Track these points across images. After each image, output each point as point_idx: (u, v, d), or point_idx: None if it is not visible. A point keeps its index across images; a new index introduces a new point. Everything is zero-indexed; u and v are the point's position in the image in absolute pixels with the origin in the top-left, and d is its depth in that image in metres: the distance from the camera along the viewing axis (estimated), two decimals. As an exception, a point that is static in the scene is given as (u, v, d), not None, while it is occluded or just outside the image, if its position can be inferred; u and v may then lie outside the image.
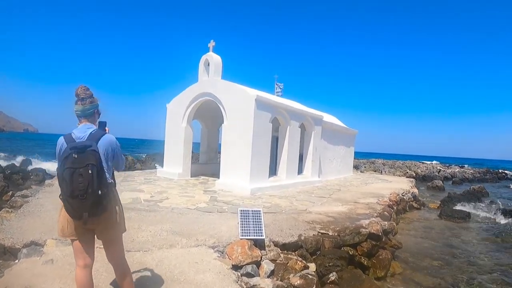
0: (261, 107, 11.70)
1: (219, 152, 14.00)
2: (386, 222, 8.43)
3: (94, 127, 3.21)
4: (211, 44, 13.49)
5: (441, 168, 45.72)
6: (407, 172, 32.41)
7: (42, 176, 16.27)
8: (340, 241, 7.09)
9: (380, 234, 7.71)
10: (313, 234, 7.03)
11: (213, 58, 13.12)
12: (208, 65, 13.36)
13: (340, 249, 6.99)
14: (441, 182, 27.18)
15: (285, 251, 6.28)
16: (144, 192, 10.31)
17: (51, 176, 16.95)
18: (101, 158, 3.02)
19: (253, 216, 6.28)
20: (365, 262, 7.11)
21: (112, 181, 3.27)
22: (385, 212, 10.21)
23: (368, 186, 16.39)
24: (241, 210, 6.31)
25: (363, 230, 7.50)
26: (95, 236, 3.29)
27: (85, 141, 2.99)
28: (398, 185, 18.18)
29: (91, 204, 2.86)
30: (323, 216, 8.63)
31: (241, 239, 5.89)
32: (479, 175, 41.75)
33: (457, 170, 46.30)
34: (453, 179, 34.92)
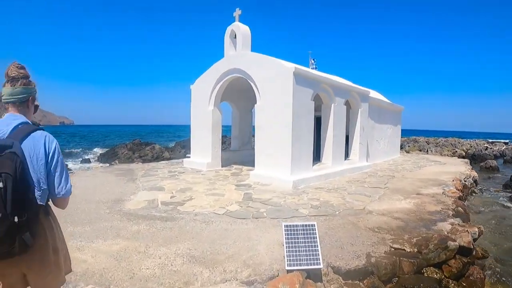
0: (301, 82, 9.71)
1: (254, 136, 12.15)
2: (476, 229, 6.33)
3: (23, 119, 2.18)
4: (237, 12, 11.49)
5: (488, 146, 42.12)
6: (456, 151, 29.56)
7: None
8: (423, 261, 5.11)
9: (472, 246, 5.70)
10: (385, 252, 5.09)
11: (240, 29, 11.14)
12: (235, 37, 11.40)
13: (423, 274, 5.05)
14: (495, 162, 24.57)
15: (350, 281, 4.41)
16: (165, 190, 8.63)
17: (70, 172, 15.65)
18: (26, 165, 2.01)
19: (304, 233, 4.42)
20: (454, 288, 5.14)
21: (43, 203, 2.14)
22: (459, 208, 8.15)
23: (422, 170, 14.20)
24: (287, 226, 4.44)
25: (452, 244, 5.48)
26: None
27: (5, 139, 2.02)
28: (455, 167, 15.84)
29: (1, 237, 1.86)
30: (388, 218, 6.69)
31: (288, 271, 4.06)
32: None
33: (504, 147, 42.46)
34: (504, 157, 31.86)
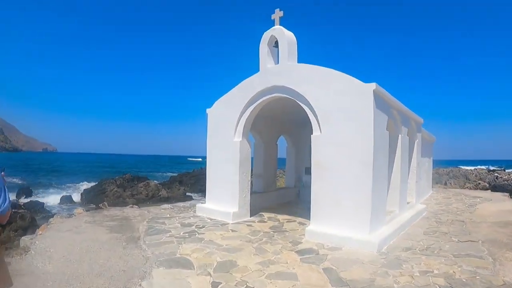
0: (380, 105, 7.06)
1: (277, 169, 9.23)
2: None
3: None
4: (277, 15, 8.77)
5: (498, 174, 39.95)
6: (479, 183, 27.06)
7: (30, 220, 11.54)
8: None
9: None
10: None
11: (285, 34, 8.40)
12: (275, 46, 8.70)
13: None
14: (529, 194, 22.23)
15: None
16: (194, 267, 5.53)
17: (46, 216, 12.45)
18: None
19: None
20: None
21: None
22: None
23: (481, 211, 11.73)
24: None
25: None
26: None
27: None
28: (507, 204, 13.81)
29: None
30: None
31: None
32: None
33: (517, 176, 40.35)
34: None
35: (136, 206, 13.19)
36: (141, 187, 20.12)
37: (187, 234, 7.59)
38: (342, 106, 7.08)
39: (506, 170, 52.04)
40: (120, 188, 20.83)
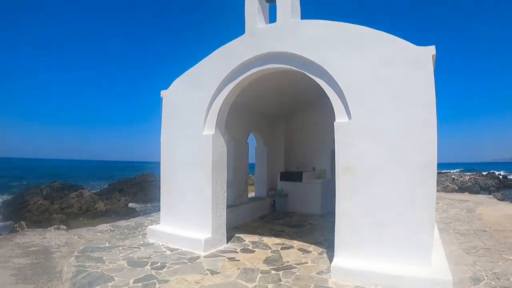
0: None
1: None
2: None
3: None
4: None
5: (454, 177, 40.62)
6: (448, 186, 26.80)
7: None
8: None
9: None
10: None
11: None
12: (269, 0, 6.12)
13: None
14: (500, 194, 22.04)
15: None
16: None
17: None
18: None
19: None
20: None
21: None
22: None
23: (487, 217, 10.38)
24: None
25: None
26: None
27: None
28: (502, 206, 12.82)
29: None
30: None
31: None
32: (495, 182, 37.72)
33: (468, 178, 41.20)
34: (490, 188, 32.07)
35: (64, 227, 10.10)
36: (73, 198, 16.45)
37: (140, 285, 4.73)
38: (384, 80, 4.70)
39: (451, 171, 53.82)
40: (47, 200, 17.06)
